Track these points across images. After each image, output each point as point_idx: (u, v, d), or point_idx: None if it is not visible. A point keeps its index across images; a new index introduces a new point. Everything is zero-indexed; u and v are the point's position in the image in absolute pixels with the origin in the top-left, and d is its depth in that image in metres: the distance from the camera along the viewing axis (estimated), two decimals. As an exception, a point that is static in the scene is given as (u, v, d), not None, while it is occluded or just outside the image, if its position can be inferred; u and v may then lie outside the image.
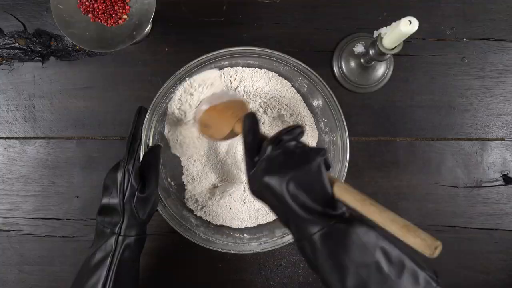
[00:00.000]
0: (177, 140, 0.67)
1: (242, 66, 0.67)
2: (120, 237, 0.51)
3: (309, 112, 0.68)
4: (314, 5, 0.72)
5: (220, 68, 0.66)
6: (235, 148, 0.68)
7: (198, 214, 0.67)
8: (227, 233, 0.66)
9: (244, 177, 0.68)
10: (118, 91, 0.71)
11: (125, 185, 0.52)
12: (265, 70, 0.67)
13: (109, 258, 0.50)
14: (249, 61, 0.66)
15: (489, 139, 0.73)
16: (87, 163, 0.71)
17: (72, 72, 0.71)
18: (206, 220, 0.67)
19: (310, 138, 0.68)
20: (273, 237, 0.64)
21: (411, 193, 0.72)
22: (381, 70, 0.70)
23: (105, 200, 0.53)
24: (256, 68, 0.67)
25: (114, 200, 0.52)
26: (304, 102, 0.68)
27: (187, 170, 0.68)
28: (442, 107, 0.72)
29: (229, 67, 0.66)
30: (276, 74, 0.67)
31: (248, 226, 0.68)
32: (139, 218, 0.53)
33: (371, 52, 0.62)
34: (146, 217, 0.55)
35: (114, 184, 0.53)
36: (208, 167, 0.69)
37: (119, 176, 0.52)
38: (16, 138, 0.72)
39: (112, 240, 0.51)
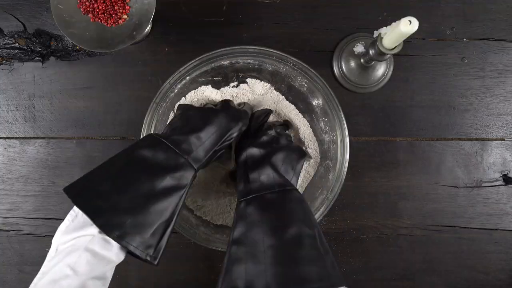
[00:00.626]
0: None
1: (242, 66, 0.67)
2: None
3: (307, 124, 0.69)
4: (314, 5, 0.72)
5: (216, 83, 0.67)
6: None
7: (198, 214, 0.67)
8: (227, 233, 0.66)
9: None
10: (118, 91, 0.72)
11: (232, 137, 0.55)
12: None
13: (183, 191, 0.48)
14: (249, 61, 0.66)
15: (489, 139, 0.73)
16: (87, 163, 0.71)
17: (72, 72, 0.72)
18: (206, 220, 0.67)
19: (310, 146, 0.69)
20: (273, 237, 0.64)
21: (411, 193, 0.72)
22: (381, 70, 0.70)
23: (203, 133, 0.52)
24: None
25: (212, 137, 0.52)
26: (304, 102, 0.68)
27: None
28: (442, 107, 0.72)
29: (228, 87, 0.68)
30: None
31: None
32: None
33: (371, 52, 0.62)
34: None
35: (224, 126, 0.54)
36: (208, 167, 0.69)
37: (237, 127, 0.55)
38: (16, 138, 0.72)
39: (190, 174, 0.49)
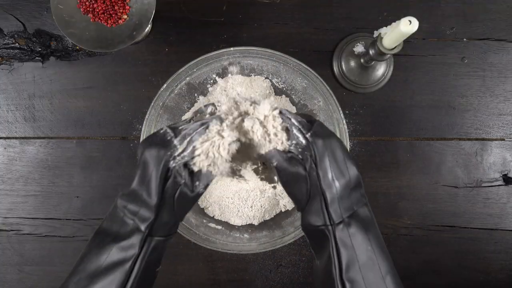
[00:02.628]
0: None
1: (244, 66, 0.67)
2: (148, 238, 0.39)
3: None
4: (314, 5, 0.72)
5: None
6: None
7: (199, 214, 0.67)
8: (227, 233, 0.66)
9: (244, 177, 0.68)
10: (118, 91, 0.72)
11: (170, 172, 0.39)
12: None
13: (129, 263, 0.39)
14: (249, 61, 0.66)
15: (489, 139, 0.73)
16: (87, 163, 0.71)
17: (72, 72, 0.72)
18: (206, 220, 0.67)
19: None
20: (273, 237, 0.64)
21: (411, 193, 0.72)
22: (381, 70, 0.70)
23: (135, 185, 0.39)
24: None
25: (148, 189, 0.39)
26: (304, 102, 0.68)
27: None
28: (442, 107, 0.72)
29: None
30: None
31: (249, 225, 0.68)
32: (175, 217, 0.41)
33: (371, 52, 0.62)
34: (183, 215, 0.44)
35: (155, 165, 0.38)
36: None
37: (164, 155, 0.38)
38: (16, 138, 0.72)
39: (137, 240, 0.39)
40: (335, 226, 0.40)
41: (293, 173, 0.41)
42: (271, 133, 0.41)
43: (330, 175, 0.40)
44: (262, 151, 0.42)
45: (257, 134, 0.41)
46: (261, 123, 0.41)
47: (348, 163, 0.41)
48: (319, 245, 0.42)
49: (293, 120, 0.41)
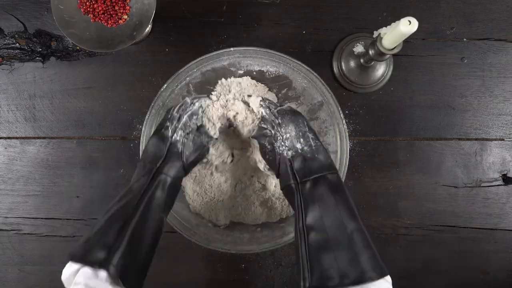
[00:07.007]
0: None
1: (243, 66, 0.67)
2: (156, 174, 0.49)
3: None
4: (314, 5, 0.72)
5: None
6: (237, 149, 0.68)
7: (199, 214, 0.67)
8: (227, 233, 0.66)
9: (245, 178, 0.68)
10: (118, 91, 0.72)
11: (183, 120, 0.53)
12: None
13: (139, 194, 0.47)
14: (249, 61, 0.66)
15: (488, 139, 0.73)
16: (87, 163, 0.71)
17: (73, 72, 0.72)
18: (206, 219, 0.67)
19: None
20: (273, 237, 0.64)
21: (411, 193, 0.72)
22: (381, 70, 0.71)
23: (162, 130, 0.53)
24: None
25: (166, 133, 0.53)
26: (304, 102, 0.68)
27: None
28: (442, 107, 0.72)
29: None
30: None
31: (248, 225, 0.68)
32: (183, 160, 0.52)
33: (371, 52, 0.62)
34: (191, 162, 0.53)
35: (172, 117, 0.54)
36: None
37: (184, 110, 0.55)
38: (17, 138, 0.72)
39: (148, 176, 0.48)
40: (300, 184, 0.48)
41: (263, 141, 0.54)
42: (254, 107, 0.58)
43: (294, 137, 0.51)
44: (244, 130, 0.59)
45: (239, 118, 0.59)
46: (245, 103, 0.60)
47: (311, 133, 0.52)
48: (292, 203, 0.50)
49: (267, 102, 0.57)
